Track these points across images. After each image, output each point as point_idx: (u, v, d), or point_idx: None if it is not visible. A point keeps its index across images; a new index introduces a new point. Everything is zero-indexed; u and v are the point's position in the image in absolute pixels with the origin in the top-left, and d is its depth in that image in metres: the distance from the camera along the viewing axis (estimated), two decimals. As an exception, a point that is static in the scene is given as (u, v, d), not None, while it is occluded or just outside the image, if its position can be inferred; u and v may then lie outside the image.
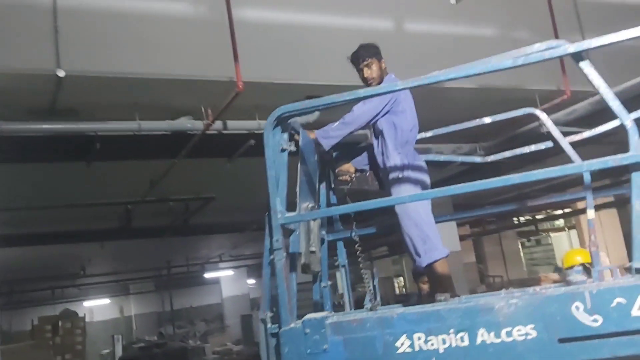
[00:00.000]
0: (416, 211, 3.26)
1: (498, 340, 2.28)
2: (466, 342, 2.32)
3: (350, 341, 2.50)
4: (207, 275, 21.30)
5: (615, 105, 2.45)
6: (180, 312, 23.24)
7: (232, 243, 16.98)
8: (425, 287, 3.99)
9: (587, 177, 3.20)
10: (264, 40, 5.92)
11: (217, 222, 12.33)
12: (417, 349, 2.39)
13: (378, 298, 3.43)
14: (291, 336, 2.57)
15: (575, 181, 13.22)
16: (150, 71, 5.40)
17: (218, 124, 6.26)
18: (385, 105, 3.38)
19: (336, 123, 3.39)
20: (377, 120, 3.46)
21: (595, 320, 2.17)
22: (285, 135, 2.99)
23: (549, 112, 5.26)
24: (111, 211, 9.22)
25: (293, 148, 3.04)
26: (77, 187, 8.74)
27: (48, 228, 10.14)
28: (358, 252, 3.65)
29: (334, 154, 3.77)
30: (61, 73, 4.75)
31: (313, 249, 3.13)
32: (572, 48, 2.41)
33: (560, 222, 24.54)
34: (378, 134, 3.53)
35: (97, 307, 23.76)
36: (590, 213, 3.09)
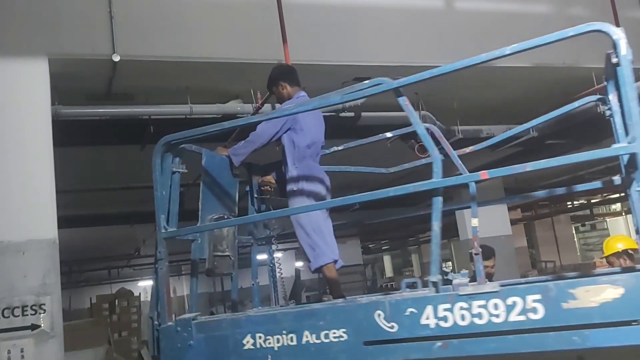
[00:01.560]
0: (307, 221, 3.56)
1: (318, 341, 2.65)
2: (294, 342, 2.72)
3: (210, 338, 3.00)
4: (257, 257, 21.64)
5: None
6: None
7: (281, 226, 17.12)
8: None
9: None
10: (312, 22, 5.91)
11: (266, 205, 12.47)
12: (258, 346, 2.82)
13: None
14: (167, 332, 3.10)
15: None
16: (200, 55, 5.49)
17: (267, 107, 6.31)
18: (284, 124, 3.68)
19: (243, 142, 3.76)
20: (278, 137, 3.74)
21: (392, 327, 2.49)
22: (177, 159, 3.44)
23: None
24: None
25: (184, 170, 3.46)
26: (133, 170, 8.99)
27: (105, 210, 10.53)
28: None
29: (262, 166, 4.17)
30: (116, 58, 4.89)
31: (221, 253, 3.53)
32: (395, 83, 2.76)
33: (617, 206, 23.62)
34: (282, 149, 3.84)
35: (146, 286, 24.50)
36: (474, 221, 2.98)
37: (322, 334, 2.65)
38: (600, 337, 2.17)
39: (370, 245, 33.93)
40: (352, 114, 6.88)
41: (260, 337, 2.84)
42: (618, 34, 2.27)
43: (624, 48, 2.25)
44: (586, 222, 28.88)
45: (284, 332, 2.76)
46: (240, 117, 6.33)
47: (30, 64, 4.61)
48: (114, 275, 21.82)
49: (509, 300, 2.31)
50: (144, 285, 23.74)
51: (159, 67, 5.43)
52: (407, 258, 41.64)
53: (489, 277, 5.10)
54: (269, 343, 2.80)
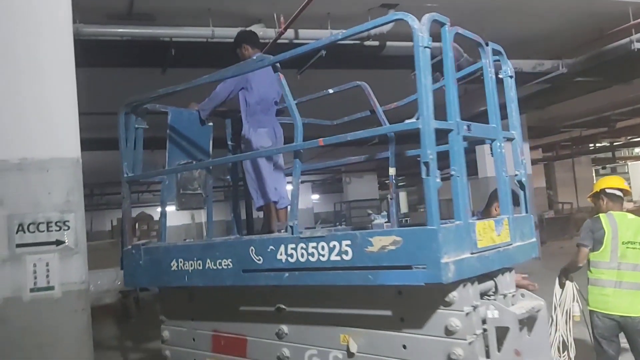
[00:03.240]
0: (252, 168, 4.12)
1: (215, 268, 3.40)
2: (201, 267, 3.51)
3: (151, 260, 3.94)
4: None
5: None
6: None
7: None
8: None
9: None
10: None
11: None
12: (179, 269, 3.66)
13: None
14: (127, 254, 4.20)
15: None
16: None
17: (290, 33, 6.17)
18: (237, 84, 4.15)
19: (207, 99, 4.32)
20: (234, 96, 4.25)
21: (259, 259, 3.16)
22: (139, 118, 4.29)
23: None
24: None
25: (145, 126, 4.29)
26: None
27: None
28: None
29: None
30: (138, -26, 4.76)
31: (191, 192, 4.43)
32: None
33: (640, 150, 23.24)
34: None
35: (170, 212, 24.96)
36: (392, 170, 3.60)
37: (217, 262, 3.39)
38: (387, 276, 2.64)
39: (386, 181, 33.93)
40: (376, 42, 6.71)
41: (181, 262, 3.67)
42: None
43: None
44: (607, 165, 28.57)
45: (195, 259, 3.56)
46: (262, 43, 6.21)
47: (51, -20, 4.50)
48: (134, 200, 22.26)
49: (331, 244, 2.82)
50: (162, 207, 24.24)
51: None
52: (422, 195, 41.72)
53: None
54: (186, 267, 3.63)
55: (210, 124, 4.61)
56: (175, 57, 6.05)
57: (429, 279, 2.50)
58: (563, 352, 4.25)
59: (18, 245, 4.04)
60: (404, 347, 2.78)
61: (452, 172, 2.79)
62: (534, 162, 15.80)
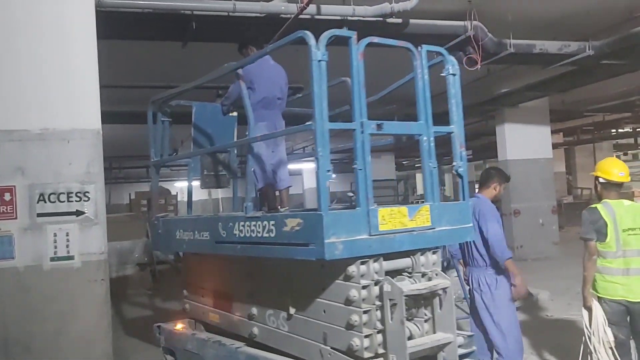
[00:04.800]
0: (258, 154, 4.40)
1: (200, 238, 4.08)
2: (193, 237, 4.18)
3: (166, 230, 4.69)
4: (290, 166, 21.89)
5: None
6: (263, 198, 24.18)
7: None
8: None
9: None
10: None
11: (302, 113, 12.38)
12: (180, 238, 4.36)
13: None
14: (152, 224, 5.03)
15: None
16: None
17: (312, 8, 6.08)
18: (244, 85, 4.40)
19: (224, 97, 4.79)
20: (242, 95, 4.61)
21: (224, 234, 3.78)
22: (165, 111, 4.99)
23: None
24: (203, 94, 9.44)
25: (169, 119, 5.00)
26: (173, 68, 8.95)
27: (146, 108, 10.59)
28: None
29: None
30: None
31: (214, 173, 5.10)
32: None
33: (664, 137, 22.78)
34: None
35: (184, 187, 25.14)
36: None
37: (201, 233, 4.07)
38: (294, 251, 3.15)
39: (404, 162, 33.83)
40: (399, 20, 6.60)
41: (181, 232, 4.38)
42: None
43: None
44: (629, 152, 28.10)
45: (189, 230, 4.24)
46: (284, 17, 6.14)
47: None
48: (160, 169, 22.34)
49: (264, 223, 3.39)
50: (180, 186, 24.41)
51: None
52: (439, 177, 41.55)
53: (498, 200, 5.04)
54: (184, 237, 4.33)
55: (235, 114, 5.03)
56: (196, 30, 6.00)
57: (317, 255, 2.99)
58: None
59: (39, 215, 4.09)
60: (324, 311, 3.27)
61: (355, 166, 3.12)
62: (554, 146, 15.55)
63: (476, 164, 31.31)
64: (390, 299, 3.03)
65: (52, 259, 4.09)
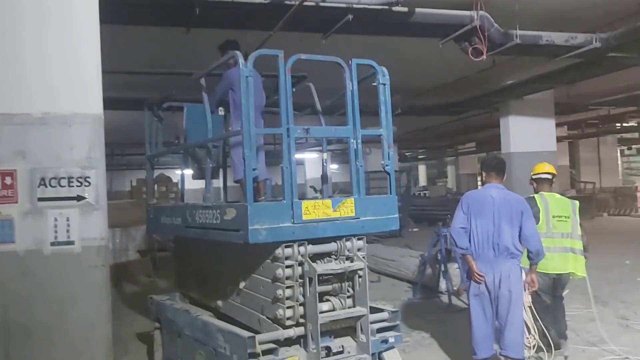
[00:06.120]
0: (233, 149, 5.02)
1: (175, 223, 4.92)
2: (172, 222, 5.00)
3: (155, 215, 5.56)
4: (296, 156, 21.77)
5: None
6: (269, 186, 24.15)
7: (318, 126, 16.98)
8: None
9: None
10: None
11: (305, 102, 12.33)
12: (166, 222, 5.19)
13: None
14: (147, 210, 5.80)
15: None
16: None
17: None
18: (227, 86, 5.09)
19: (210, 97, 5.07)
20: (226, 94, 5.23)
21: (190, 220, 4.52)
22: (157, 113, 5.72)
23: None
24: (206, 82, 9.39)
25: (161, 118, 5.72)
26: (176, 54, 8.90)
27: (147, 94, 10.54)
28: None
29: None
30: None
31: (203, 165, 5.31)
32: None
33: (669, 132, 22.70)
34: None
35: (189, 175, 25.10)
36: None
37: (175, 219, 4.90)
38: (231, 235, 3.84)
39: (407, 154, 33.75)
40: (405, 9, 6.53)
41: (164, 217, 5.25)
42: None
43: None
44: (633, 146, 28.01)
45: (169, 216, 5.12)
46: (288, 5, 6.08)
47: None
48: (154, 163, 22.33)
49: (213, 212, 4.10)
50: (180, 173, 24.36)
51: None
52: (442, 169, 41.44)
53: None
54: (166, 221, 5.18)
55: (222, 113, 5.45)
56: (199, 16, 5.95)
57: (244, 239, 3.64)
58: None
59: (40, 199, 4.07)
60: (262, 287, 3.93)
61: (282, 165, 3.75)
62: (558, 139, 15.46)
63: (479, 157, 31.25)
64: (309, 277, 3.68)
65: (52, 244, 4.07)
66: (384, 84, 4.14)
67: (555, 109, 13.80)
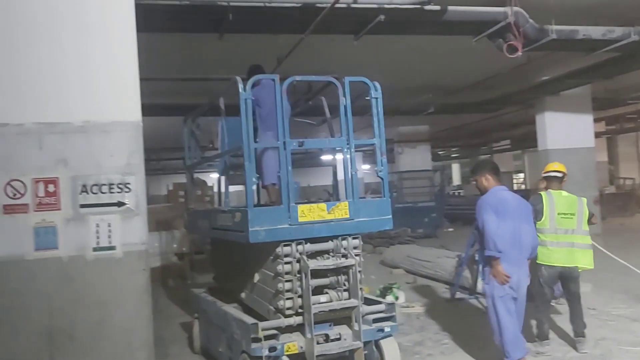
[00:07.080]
0: (266, 158, 5.25)
1: (204, 226, 5.72)
2: (201, 225, 5.88)
3: (192, 218, 6.40)
4: (324, 157, 21.80)
5: None
6: (297, 189, 24.24)
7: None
8: None
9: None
10: None
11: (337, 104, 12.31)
12: (199, 224, 5.98)
13: None
14: (186, 214, 6.79)
15: None
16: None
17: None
18: (254, 102, 5.08)
19: None
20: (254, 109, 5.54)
21: (215, 222, 5.21)
22: (195, 125, 6.55)
23: None
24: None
25: (198, 131, 6.56)
26: (210, 60, 9.01)
27: (184, 100, 10.69)
28: None
29: None
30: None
31: (238, 172, 5.67)
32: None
33: None
34: None
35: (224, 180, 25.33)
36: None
37: (204, 221, 5.70)
38: (239, 236, 4.42)
39: (440, 152, 33.41)
40: (437, 7, 6.47)
41: (200, 220, 5.96)
42: None
43: None
44: (675, 140, 27.15)
45: (202, 219, 5.88)
46: (320, 7, 6.09)
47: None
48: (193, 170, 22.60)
49: (229, 215, 4.75)
50: (216, 177, 24.62)
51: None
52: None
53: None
54: (200, 223, 5.91)
55: None
56: (232, 22, 6.01)
57: (246, 239, 4.21)
58: None
59: (82, 206, 4.15)
60: (269, 281, 4.48)
61: (279, 174, 4.34)
62: (596, 135, 15.09)
63: (515, 154, 30.71)
64: (305, 273, 4.22)
65: (94, 249, 4.15)
66: (376, 98, 4.66)
67: (593, 104, 13.48)
